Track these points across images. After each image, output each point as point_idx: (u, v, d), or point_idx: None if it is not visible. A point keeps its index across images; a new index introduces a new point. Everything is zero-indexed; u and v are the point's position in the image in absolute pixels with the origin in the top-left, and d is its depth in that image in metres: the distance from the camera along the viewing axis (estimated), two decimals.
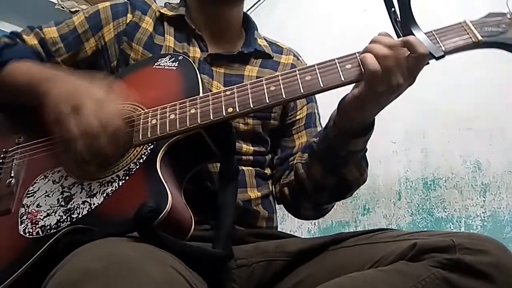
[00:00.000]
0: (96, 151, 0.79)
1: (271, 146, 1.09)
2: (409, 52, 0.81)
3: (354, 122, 0.87)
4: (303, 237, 1.03)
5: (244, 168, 1.00)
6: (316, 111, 1.16)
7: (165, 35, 1.05)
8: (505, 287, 0.65)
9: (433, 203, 1.82)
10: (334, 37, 2.11)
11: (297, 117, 1.12)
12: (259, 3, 2.60)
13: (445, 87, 1.87)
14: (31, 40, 1.04)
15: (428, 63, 0.82)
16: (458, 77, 1.83)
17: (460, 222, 1.74)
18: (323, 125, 0.96)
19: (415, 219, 1.86)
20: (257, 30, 1.15)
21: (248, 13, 1.18)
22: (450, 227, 1.75)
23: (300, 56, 1.19)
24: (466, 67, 1.82)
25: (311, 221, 2.18)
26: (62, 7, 2.27)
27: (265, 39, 1.16)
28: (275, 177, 1.08)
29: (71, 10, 2.27)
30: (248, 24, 1.15)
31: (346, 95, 0.85)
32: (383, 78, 0.79)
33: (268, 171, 1.07)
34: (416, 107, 1.93)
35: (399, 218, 1.90)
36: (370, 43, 0.83)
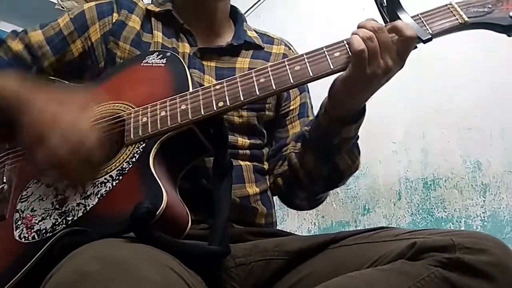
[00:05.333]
0: (70, 178, 0.79)
1: (267, 138, 1.09)
2: (397, 36, 0.81)
3: (345, 108, 0.87)
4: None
5: (241, 163, 1.00)
6: (308, 100, 1.16)
7: (153, 31, 1.04)
8: (506, 286, 0.65)
9: (433, 203, 1.82)
10: (334, 37, 2.11)
11: (291, 108, 1.12)
12: (259, 3, 2.60)
13: (445, 87, 1.87)
14: (16, 45, 1.03)
15: (416, 47, 0.83)
16: (458, 77, 1.84)
17: (460, 222, 1.74)
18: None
19: (415, 219, 1.86)
20: (246, 22, 1.15)
21: (248, 13, 1.18)
22: (450, 227, 1.75)
23: (292, 46, 1.19)
24: (466, 67, 1.82)
25: (311, 221, 2.18)
26: (62, 7, 2.27)
27: (255, 30, 1.16)
28: (269, 168, 1.08)
29: (71, 10, 2.27)
30: (236, 17, 1.15)
31: (335, 80, 0.85)
32: (370, 59, 0.79)
33: (266, 165, 1.07)
34: (416, 107, 1.94)
35: (399, 218, 1.90)
36: (357, 27, 0.83)
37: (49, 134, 0.76)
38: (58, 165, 0.76)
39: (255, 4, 2.61)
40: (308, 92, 1.17)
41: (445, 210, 1.79)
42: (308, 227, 2.19)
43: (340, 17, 2.24)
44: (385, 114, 1.89)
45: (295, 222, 2.20)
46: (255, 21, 1.16)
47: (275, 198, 1.08)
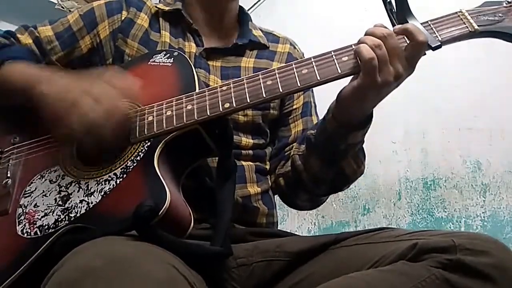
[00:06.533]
0: (104, 143, 0.79)
1: (270, 137, 1.09)
2: (407, 41, 0.81)
3: (354, 115, 0.87)
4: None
5: (243, 163, 1.00)
6: (312, 99, 1.15)
7: (161, 31, 1.05)
8: (506, 287, 0.65)
9: (433, 203, 1.83)
10: (334, 37, 2.11)
11: (294, 106, 1.12)
12: (259, 3, 2.60)
13: (445, 87, 1.87)
14: (26, 39, 1.04)
15: (424, 53, 0.82)
16: (458, 77, 1.84)
17: (460, 222, 1.75)
18: (319, 115, 0.95)
19: (415, 219, 1.86)
20: (251, 21, 1.15)
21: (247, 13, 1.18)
22: (450, 227, 1.76)
23: (297, 45, 1.19)
24: (466, 67, 1.82)
25: (311, 221, 2.18)
26: (62, 7, 2.27)
27: (260, 29, 1.16)
28: (270, 167, 1.08)
29: (71, 10, 2.27)
30: (242, 16, 1.15)
31: (345, 86, 0.85)
32: (380, 67, 0.79)
33: (268, 165, 1.07)
34: (416, 107, 1.94)
35: (399, 218, 1.91)
36: (364, 34, 0.82)
37: (83, 99, 0.79)
38: (94, 128, 0.78)
39: (255, 4, 2.61)
40: (312, 91, 1.16)
41: (445, 210, 1.79)
42: (308, 227, 2.19)
43: (340, 17, 2.24)
44: (385, 114, 1.88)
45: (295, 222, 2.20)
46: (255, 21, 1.16)
47: (276, 198, 1.09)
